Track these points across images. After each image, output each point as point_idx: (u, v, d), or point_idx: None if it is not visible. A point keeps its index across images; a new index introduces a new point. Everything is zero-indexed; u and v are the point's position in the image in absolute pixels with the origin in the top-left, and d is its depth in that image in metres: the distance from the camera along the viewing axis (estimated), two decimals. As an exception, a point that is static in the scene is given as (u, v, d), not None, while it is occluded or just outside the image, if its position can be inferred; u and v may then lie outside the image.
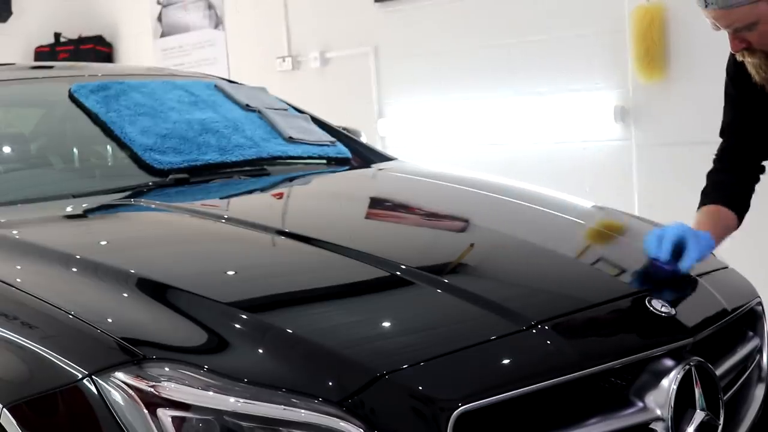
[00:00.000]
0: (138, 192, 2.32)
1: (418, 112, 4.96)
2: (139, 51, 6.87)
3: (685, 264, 1.89)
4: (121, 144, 2.50)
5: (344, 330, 1.51)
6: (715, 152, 2.25)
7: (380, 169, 2.78)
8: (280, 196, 2.44)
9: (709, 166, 2.24)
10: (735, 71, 2.14)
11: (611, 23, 4.09)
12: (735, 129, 2.20)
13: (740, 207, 2.17)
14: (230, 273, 1.75)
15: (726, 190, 2.16)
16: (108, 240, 2.00)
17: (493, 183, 2.56)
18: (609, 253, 2.08)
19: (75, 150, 2.70)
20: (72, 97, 2.64)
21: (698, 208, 2.16)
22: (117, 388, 1.36)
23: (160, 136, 2.51)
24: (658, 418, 1.58)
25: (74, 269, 1.70)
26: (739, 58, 2.06)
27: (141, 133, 2.50)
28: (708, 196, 2.16)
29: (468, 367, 1.46)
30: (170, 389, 1.35)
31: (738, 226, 2.17)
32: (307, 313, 1.57)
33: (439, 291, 1.64)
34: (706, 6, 1.94)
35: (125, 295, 1.59)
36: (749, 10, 1.92)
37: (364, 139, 3.20)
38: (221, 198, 2.41)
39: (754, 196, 2.21)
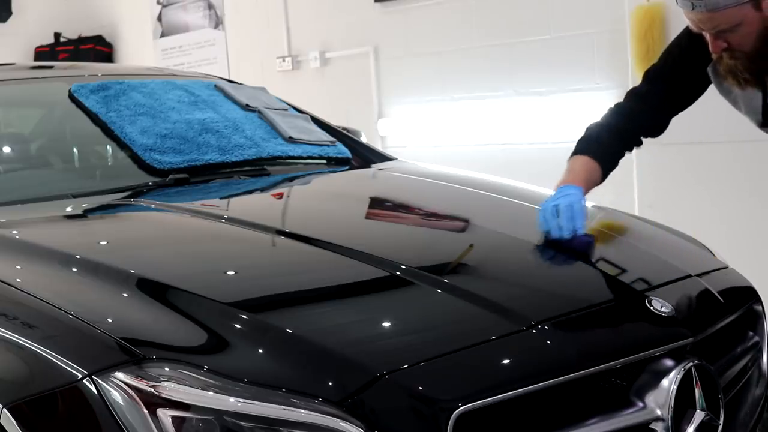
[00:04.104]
0: (138, 192, 2.32)
1: (418, 112, 4.96)
2: (139, 51, 6.87)
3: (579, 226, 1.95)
4: (121, 144, 2.50)
5: (344, 330, 1.51)
6: (612, 106, 2.26)
7: (380, 169, 2.78)
8: (280, 196, 2.44)
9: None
10: (685, 55, 2.15)
11: (611, 23, 4.09)
12: (647, 98, 2.21)
13: (611, 168, 2.21)
14: (230, 273, 1.75)
15: (605, 150, 2.19)
16: (108, 240, 2.00)
17: (493, 183, 2.56)
18: (609, 253, 2.07)
19: (75, 150, 2.70)
20: (72, 97, 2.64)
21: (573, 154, 2.21)
22: (117, 388, 1.36)
23: (160, 136, 2.51)
24: (658, 418, 1.58)
25: (74, 269, 1.71)
26: (714, 58, 2.05)
27: (141, 133, 2.50)
28: (588, 147, 2.19)
29: (468, 367, 1.46)
30: (170, 389, 1.35)
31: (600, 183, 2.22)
32: (307, 313, 1.57)
33: (439, 291, 1.64)
34: (693, 8, 1.93)
35: (125, 295, 1.59)
36: (735, 12, 1.92)
37: (364, 139, 3.20)
38: (221, 198, 2.41)
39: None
